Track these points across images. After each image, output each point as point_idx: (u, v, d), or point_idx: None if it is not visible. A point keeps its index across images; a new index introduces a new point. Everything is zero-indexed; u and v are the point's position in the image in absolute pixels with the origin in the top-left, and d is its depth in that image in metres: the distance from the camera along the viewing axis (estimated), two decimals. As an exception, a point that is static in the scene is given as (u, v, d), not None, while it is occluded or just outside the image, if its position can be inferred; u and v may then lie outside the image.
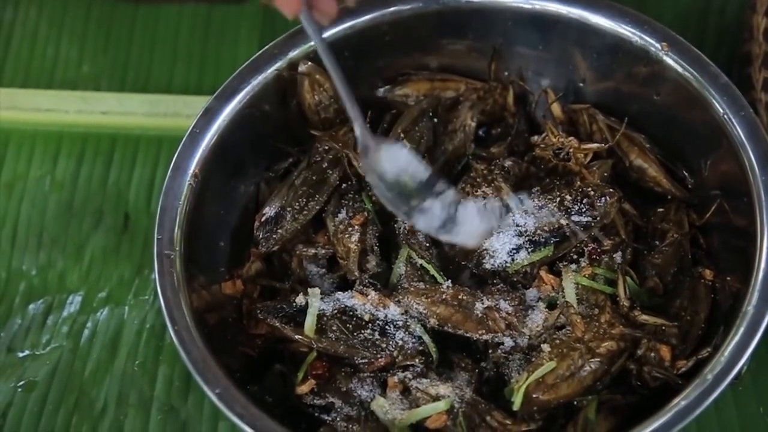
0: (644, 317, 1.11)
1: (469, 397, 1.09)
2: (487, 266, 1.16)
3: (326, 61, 1.11)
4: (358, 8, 1.24)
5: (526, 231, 1.16)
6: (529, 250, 1.15)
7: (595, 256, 1.15)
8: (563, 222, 1.15)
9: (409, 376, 1.11)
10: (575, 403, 1.10)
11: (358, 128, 1.12)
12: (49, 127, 1.46)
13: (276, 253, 1.23)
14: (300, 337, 1.13)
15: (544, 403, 1.08)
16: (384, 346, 1.12)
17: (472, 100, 1.29)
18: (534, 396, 1.08)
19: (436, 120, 1.27)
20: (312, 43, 1.23)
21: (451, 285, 1.15)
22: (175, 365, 1.27)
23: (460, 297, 1.13)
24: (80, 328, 1.31)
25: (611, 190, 1.17)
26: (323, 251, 1.21)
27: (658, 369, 1.10)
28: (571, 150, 1.21)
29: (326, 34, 1.23)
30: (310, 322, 1.13)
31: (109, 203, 1.40)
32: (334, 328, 1.13)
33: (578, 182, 1.19)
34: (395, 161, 1.13)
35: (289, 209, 1.21)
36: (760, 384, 1.22)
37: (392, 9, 1.24)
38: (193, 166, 1.17)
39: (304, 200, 1.21)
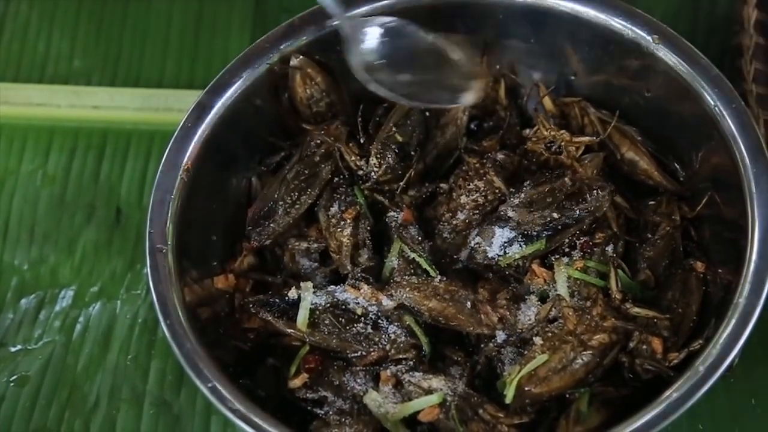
0: (636, 310, 1.11)
1: (462, 390, 1.09)
2: (480, 260, 1.16)
3: None
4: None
5: (518, 224, 1.16)
6: (522, 243, 1.15)
7: (587, 249, 1.15)
8: (555, 215, 1.16)
9: (402, 369, 1.11)
10: (567, 395, 1.10)
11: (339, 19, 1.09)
12: (40, 122, 1.45)
13: (268, 247, 1.23)
14: (292, 331, 1.13)
15: (537, 396, 1.09)
16: (377, 339, 1.12)
17: (464, 94, 1.29)
18: (526, 389, 1.08)
19: (427, 114, 1.27)
20: (304, 36, 1.23)
21: (443, 279, 1.15)
22: (167, 359, 1.27)
23: (452, 290, 1.13)
24: (72, 322, 1.31)
25: (603, 183, 1.17)
26: (315, 245, 1.21)
27: (650, 361, 1.10)
28: (562, 143, 1.21)
29: (320, 27, 1.23)
30: (302, 316, 1.13)
31: (101, 198, 1.40)
32: (326, 321, 1.13)
33: (570, 175, 1.19)
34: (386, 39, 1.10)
35: (281, 203, 1.21)
36: (752, 376, 1.22)
37: (384, 2, 1.23)
38: (185, 160, 1.17)
39: (296, 194, 1.21)
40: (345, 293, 1.15)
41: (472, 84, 1.11)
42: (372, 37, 1.11)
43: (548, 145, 1.22)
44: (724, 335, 1.04)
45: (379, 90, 1.11)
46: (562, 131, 1.22)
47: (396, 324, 1.13)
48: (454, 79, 1.12)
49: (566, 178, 1.18)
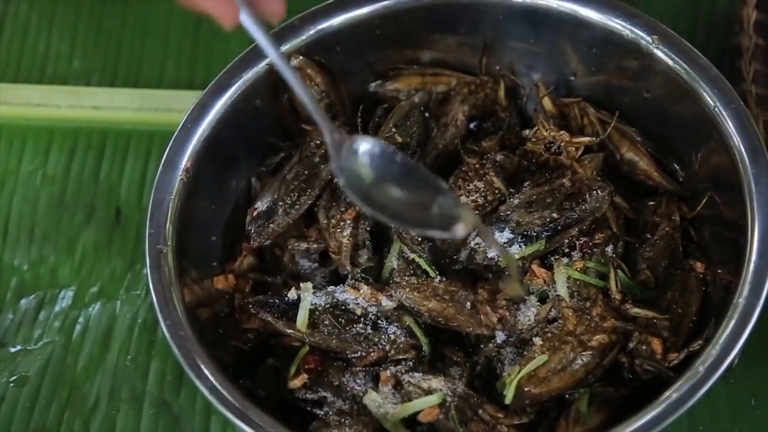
0: (636, 310, 1.12)
1: (462, 390, 1.09)
2: (480, 260, 1.16)
3: (283, 70, 1.02)
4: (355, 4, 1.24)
5: (518, 225, 1.16)
6: (522, 243, 1.15)
7: (587, 250, 1.15)
8: (555, 216, 1.15)
9: (402, 370, 1.11)
10: (567, 396, 1.10)
11: (327, 132, 1.03)
12: (40, 122, 1.45)
13: (268, 248, 1.23)
14: (292, 331, 1.13)
15: (536, 397, 1.09)
16: (376, 340, 1.12)
17: (464, 95, 1.29)
18: (526, 389, 1.08)
19: (427, 114, 1.27)
20: (304, 37, 1.23)
21: (443, 279, 1.15)
22: (167, 360, 1.27)
23: (452, 291, 1.13)
24: (72, 323, 1.31)
25: (603, 183, 1.17)
26: (315, 245, 1.21)
27: (650, 362, 1.10)
28: (562, 143, 1.21)
29: (319, 28, 1.23)
30: (302, 317, 1.13)
31: (101, 198, 1.40)
32: (326, 322, 1.13)
33: (570, 176, 1.19)
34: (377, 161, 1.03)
35: (281, 204, 1.21)
36: (752, 376, 1.22)
37: (384, 3, 1.24)
38: (185, 160, 1.17)
39: (296, 195, 1.21)
40: (345, 294, 1.15)
41: (465, 214, 1.02)
42: (364, 153, 1.04)
43: (548, 145, 1.22)
44: (724, 335, 1.04)
45: (367, 210, 1.04)
46: (562, 132, 1.22)
47: (396, 324, 1.13)
48: (443, 207, 1.03)
49: (566, 179, 1.18)
